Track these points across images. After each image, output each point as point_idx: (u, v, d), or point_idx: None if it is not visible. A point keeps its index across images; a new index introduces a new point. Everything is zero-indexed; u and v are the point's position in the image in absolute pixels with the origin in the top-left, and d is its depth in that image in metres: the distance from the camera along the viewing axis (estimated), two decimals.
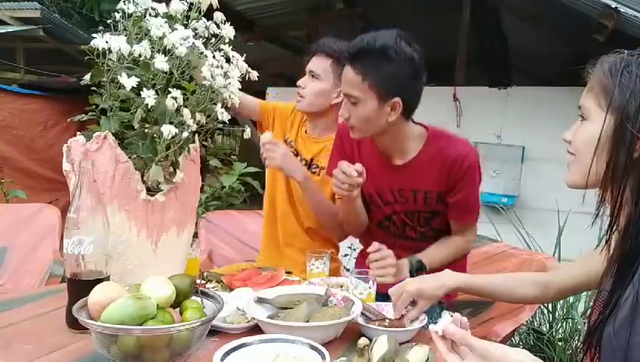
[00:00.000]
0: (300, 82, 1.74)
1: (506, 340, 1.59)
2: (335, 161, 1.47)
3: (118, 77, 1.06)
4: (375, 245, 1.38)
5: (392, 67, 1.29)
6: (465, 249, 1.58)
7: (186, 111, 1.13)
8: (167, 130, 1.08)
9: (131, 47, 1.08)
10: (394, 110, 1.33)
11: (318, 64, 1.71)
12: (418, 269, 1.42)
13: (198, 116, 1.17)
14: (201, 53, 1.18)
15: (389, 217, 1.54)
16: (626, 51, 0.82)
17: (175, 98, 1.10)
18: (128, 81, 1.05)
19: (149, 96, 1.06)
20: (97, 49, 1.08)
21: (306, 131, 1.84)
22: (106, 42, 1.07)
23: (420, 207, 1.48)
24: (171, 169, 1.23)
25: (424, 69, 1.36)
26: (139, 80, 1.07)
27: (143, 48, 1.09)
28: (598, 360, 0.83)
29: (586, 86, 0.87)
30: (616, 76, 0.78)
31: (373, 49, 1.29)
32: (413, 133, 1.45)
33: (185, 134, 1.13)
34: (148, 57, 1.11)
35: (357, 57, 1.32)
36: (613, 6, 2.62)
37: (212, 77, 1.17)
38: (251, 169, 4.43)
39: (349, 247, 2.54)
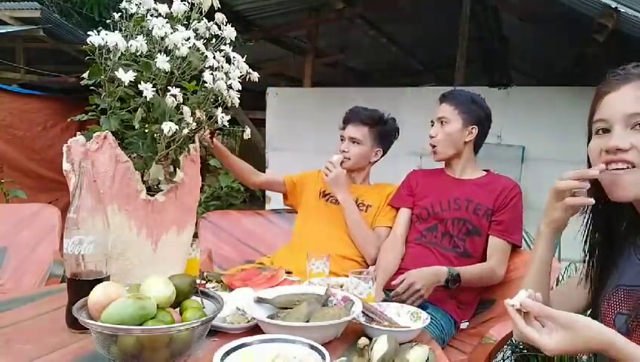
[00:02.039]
0: (343, 147, 2.07)
1: (505, 340, 1.59)
2: (401, 192, 1.98)
3: (116, 72, 1.06)
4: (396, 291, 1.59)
5: (475, 107, 1.85)
6: (489, 278, 1.73)
7: (186, 109, 1.13)
8: (168, 127, 1.08)
9: (128, 43, 1.08)
10: (471, 134, 1.84)
11: (357, 131, 2.05)
12: (453, 280, 1.62)
13: (198, 113, 1.17)
14: (202, 53, 1.18)
15: (433, 227, 1.84)
16: None
17: (174, 96, 1.10)
18: (125, 76, 1.05)
19: (146, 89, 1.06)
20: (97, 48, 1.08)
21: None
22: (103, 39, 1.07)
23: (468, 216, 1.79)
24: (171, 168, 1.23)
25: (491, 122, 1.91)
26: (136, 74, 1.07)
27: (139, 43, 1.09)
28: None
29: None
30: None
31: (464, 93, 1.90)
32: (478, 166, 1.91)
33: (185, 131, 1.13)
34: (144, 52, 1.11)
35: (453, 96, 1.88)
36: (613, 6, 2.61)
37: (213, 80, 1.17)
38: None
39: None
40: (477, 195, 1.80)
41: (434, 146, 1.87)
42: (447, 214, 1.81)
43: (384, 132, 2.07)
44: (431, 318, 1.51)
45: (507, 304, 0.82)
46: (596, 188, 0.93)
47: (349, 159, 2.06)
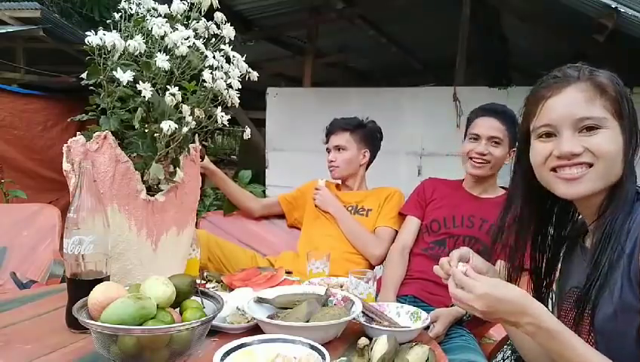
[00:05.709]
0: (330, 157, 2.14)
1: (505, 340, 1.59)
2: (413, 201, 1.93)
3: (114, 72, 1.06)
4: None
5: (515, 127, 1.69)
6: None
7: (185, 108, 1.13)
8: (167, 125, 1.08)
9: (126, 42, 1.08)
10: (509, 157, 1.75)
11: (340, 138, 2.12)
12: (468, 316, 1.60)
13: (197, 112, 1.17)
14: (202, 53, 1.17)
15: (441, 241, 1.79)
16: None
17: (173, 95, 1.10)
18: (124, 76, 1.05)
19: (145, 89, 1.06)
20: (97, 48, 1.07)
21: (340, 191, 2.19)
22: (100, 39, 1.07)
23: (481, 236, 1.73)
24: (171, 168, 1.23)
25: None
26: (134, 74, 1.07)
27: (137, 43, 1.09)
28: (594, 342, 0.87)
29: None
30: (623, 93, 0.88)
31: (509, 111, 1.76)
32: (498, 183, 1.86)
33: (184, 130, 1.13)
34: (142, 52, 1.11)
35: (502, 114, 1.76)
36: (613, 6, 2.61)
37: (213, 80, 1.17)
38: (252, 176, 4.37)
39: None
40: (492, 215, 1.70)
41: (479, 163, 1.75)
42: (460, 231, 1.77)
43: (366, 133, 2.15)
44: (470, 343, 1.50)
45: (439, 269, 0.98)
46: (539, 187, 0.96)
47: (339, 167, 2.12)
